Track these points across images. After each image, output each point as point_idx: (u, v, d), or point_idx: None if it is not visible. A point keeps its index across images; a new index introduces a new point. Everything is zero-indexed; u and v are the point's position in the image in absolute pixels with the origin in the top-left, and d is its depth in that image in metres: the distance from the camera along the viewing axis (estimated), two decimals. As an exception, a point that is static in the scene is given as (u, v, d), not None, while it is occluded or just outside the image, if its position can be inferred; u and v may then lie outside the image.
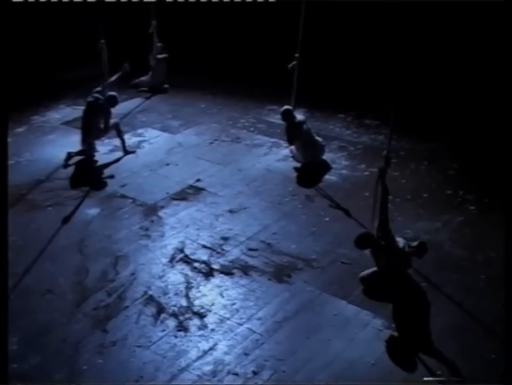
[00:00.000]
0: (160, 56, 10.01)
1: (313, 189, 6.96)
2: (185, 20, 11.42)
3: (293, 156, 7.63)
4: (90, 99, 7.52)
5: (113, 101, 7.58)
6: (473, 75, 8.99)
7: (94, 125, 7.50)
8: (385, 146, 5.20)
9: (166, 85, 10.12)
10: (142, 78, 10.15)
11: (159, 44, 10.00)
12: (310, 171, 7.35)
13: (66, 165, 7.42)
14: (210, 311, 4.99)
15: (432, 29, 9.40)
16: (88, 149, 7.54)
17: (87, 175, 7.29)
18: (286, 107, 7.48)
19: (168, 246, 5.88)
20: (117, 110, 8.29)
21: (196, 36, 11.43)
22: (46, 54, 10.80)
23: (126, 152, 7.83)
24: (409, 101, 8.86)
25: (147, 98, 9.89)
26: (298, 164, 7.48)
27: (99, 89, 7.61)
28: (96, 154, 7.70)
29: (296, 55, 7.55)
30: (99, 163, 7.58)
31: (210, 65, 10.86)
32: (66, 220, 6.33)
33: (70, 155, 7.47)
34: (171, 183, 7.11)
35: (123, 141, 7.83)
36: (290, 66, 7.64)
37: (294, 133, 7.36)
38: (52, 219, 6.32)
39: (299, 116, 7.55)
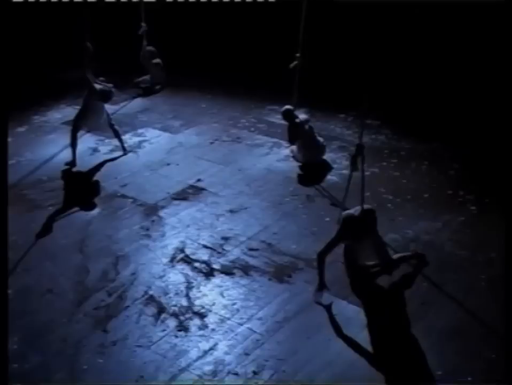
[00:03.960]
0: (145, 61, 10.03)
1: (314, 189, 6.95)
2: (185, 19, 11.43)
3: (293, 156, 7.63)
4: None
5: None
6: (473, 75, 8.99)
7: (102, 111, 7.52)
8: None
9: (160, 85, 10.17)
10: (144, 77, 10.18)
11: (151, 48, 10.01)
12: (311, 171, 7.35)
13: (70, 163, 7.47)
14: (210, 311, 4.99)
15: (432, 29, 9.40)
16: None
17: (88, 175, 7.29)
18: (286, 107, 7.48)
19: (169, 246, 5.88)
20: (118, 110, 8.29)
21: (197, 35, 11.43)
22: (47, 53, 10.79)
23: (126, 151, 7.83)
24: (409, 101, 8.90)
25: (134, 97, 9.86)
26: (299, 165, 7.49)
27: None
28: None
29: (298, 55, 7.56)
30: (99, 163, 7.57)
31: (211, 65, 10.85)
32: (66, 220, 6.33)
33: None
34: (172, 182, 7.11)
35: (120, 140, 7.82)
36: (291, 66, 7.65)
37: (295, 133, 7.36)
38: (52, 219, 6.32)
39: (302, 115, 7.55)
